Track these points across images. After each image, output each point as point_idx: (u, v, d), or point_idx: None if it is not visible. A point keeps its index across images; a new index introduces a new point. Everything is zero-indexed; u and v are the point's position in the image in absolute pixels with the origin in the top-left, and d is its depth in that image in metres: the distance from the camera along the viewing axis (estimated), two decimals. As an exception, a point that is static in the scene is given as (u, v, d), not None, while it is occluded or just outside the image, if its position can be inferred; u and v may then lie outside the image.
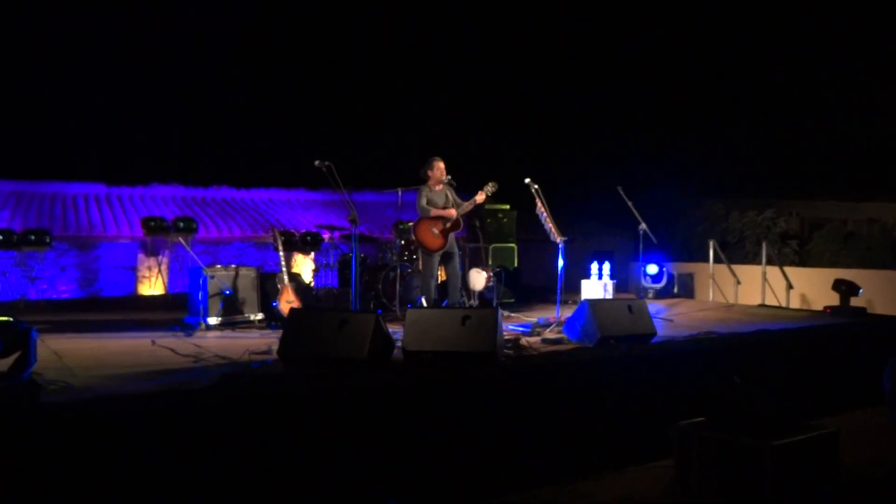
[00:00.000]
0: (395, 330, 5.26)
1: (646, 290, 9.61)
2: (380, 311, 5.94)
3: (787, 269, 10.84)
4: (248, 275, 6.72)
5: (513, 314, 7.40)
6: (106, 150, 15.58)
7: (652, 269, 9.74)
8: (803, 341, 6.33)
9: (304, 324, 4.60)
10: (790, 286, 10.39)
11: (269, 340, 5.56)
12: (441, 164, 7.18)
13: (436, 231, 6.98)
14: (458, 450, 4.20)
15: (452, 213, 6.96)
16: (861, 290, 7.79)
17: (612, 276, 8.30)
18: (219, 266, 6.68)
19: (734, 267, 10.86)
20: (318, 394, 3.92)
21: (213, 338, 5.91)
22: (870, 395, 5.83)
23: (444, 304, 7.23)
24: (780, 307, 9.36)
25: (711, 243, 10.80)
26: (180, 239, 9.59)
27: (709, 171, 19.14)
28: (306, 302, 6.91)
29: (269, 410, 3.73)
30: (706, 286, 10.66)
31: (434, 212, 6.98)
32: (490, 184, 7.02)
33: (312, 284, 8.11)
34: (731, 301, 10.08)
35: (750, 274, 11.13)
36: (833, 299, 7.83)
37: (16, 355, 3.61)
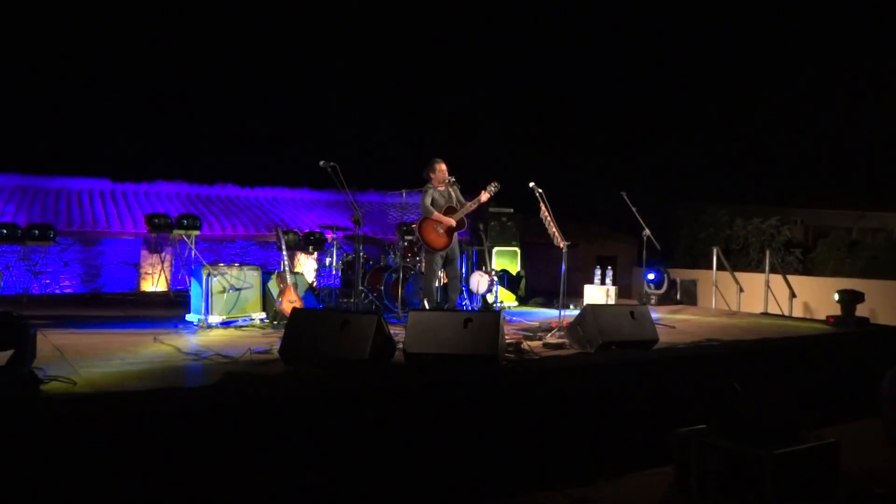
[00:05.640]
0: (397, 331, 5.26)
1: (649, 295, 9.60)
2: (384, 312, 5.93)
3: (791, 278, 10.81)
4: (250, 273, 6.72)
5: (515, 318, 7.39)
6: (111, 146, 15.64)
7: (649, 275, 9.75)
8: (805, 350, 6.31)
9: (306, 324, 4.60)
10: (793, 294, 10.36)
11: (270, 339, 5.56)
12: (442, 166, 7.16)
13: (440, 230, 6.98)
14: (458, 452, 4.19)
15: (452, 222, 6.96)
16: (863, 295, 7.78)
17: (614, 282, 8.29)
18: (222, 264, 6.68)
19: (737, 274, 10.84)
20: (319, 394, 3.92)
21: (214, 336, 5.91)
22: (871, 405, 5.81)
23: (444, 306, 7.22)
24: (782, 316, 9.34)
25: (715, 250, 10.78)
26: (184, 236, 9.59)
27: (714, 178, 19.13)
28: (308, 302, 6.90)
29: (269, 410, 3.73)
30: (709, 293, 10.63)
31: (435, 215, 6.98)
32: (493, 183, 7.00)
33: (315, 284, 8.11)
34: (734, 308, 10.06)
35: (753, 282, 11.10)
36: (836, 309, 7.81)
37: (11, 351, 3.55)
